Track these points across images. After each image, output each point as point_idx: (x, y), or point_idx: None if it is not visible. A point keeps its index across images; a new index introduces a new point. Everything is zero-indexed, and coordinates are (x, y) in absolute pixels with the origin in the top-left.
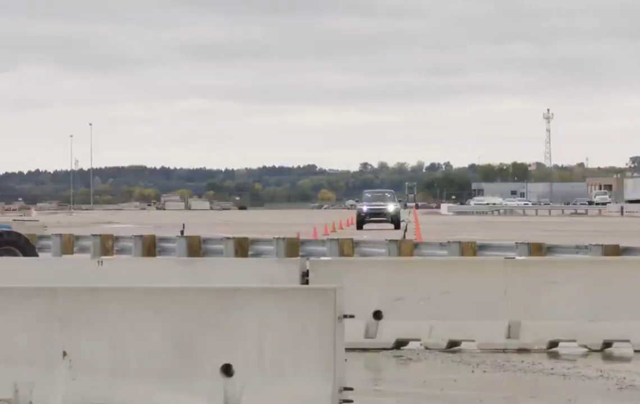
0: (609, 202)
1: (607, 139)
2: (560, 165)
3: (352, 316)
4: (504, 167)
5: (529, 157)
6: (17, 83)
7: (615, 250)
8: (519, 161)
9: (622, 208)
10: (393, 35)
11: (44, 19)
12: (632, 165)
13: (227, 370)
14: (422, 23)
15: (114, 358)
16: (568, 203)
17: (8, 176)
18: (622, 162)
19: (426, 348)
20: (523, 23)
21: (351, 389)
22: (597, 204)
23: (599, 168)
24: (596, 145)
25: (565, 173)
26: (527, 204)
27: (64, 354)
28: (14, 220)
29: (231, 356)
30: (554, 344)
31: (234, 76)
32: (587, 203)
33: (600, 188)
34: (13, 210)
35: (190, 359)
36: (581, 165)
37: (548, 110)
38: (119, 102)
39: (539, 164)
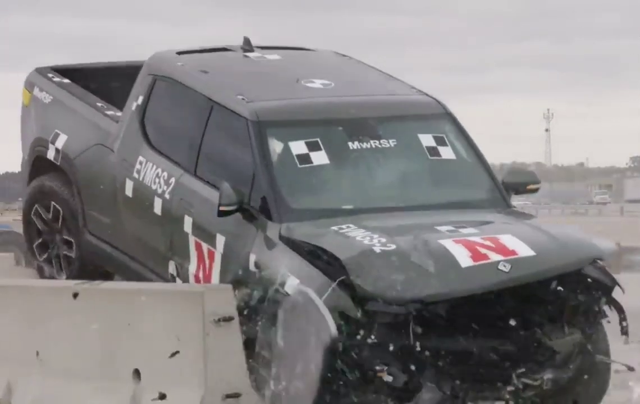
0: (609, 202)
1: (607, 139)
2: (560, 165)
3: None
4: (504, 167)
5: (529, 156)
6: (19, 82)
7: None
8: (519, 161)
9: (622, 208)
10: (393, 35)
11: (52, 18)
12: (632, 165)
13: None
14: (423, 23)
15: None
16: (568, 203)
17: (8, 176)
18: (622, 162)
19: None
20: (524, 24)
21: None
22: (597, 204)
23: (599, 168)
24: (596, 145)
25: (565, 173)
26: (527, 204)
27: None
28: (14, 220)
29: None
30: None
31: None
32: (587, 203)
33: (600, 188)
34: (13, 209)
35: (111, 364)
36: (581, 165)
37: (548, 109)
38: None
39: (539, 164)
